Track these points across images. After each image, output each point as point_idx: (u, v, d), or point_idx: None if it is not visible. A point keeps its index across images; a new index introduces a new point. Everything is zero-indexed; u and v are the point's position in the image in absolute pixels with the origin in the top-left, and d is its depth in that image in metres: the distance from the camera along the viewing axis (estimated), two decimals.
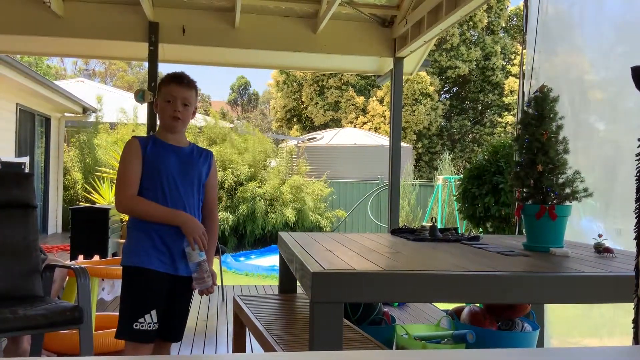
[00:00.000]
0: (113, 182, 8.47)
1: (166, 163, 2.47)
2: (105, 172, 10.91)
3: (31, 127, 10.74)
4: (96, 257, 5.24)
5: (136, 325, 2.36)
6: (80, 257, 5.24)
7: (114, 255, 5.92)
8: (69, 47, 6.27)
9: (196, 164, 2.57)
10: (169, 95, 2.47)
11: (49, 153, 11.67)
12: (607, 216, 3.20)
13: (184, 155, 2.54)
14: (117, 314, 2.52)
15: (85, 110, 12.62)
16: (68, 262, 4.18)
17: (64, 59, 30.79)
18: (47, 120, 11.65)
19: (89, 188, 11.46)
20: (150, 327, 2.37)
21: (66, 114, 12.38)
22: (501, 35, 22.30)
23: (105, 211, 6.10)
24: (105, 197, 10.26)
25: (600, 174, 3.24)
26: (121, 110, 13.41)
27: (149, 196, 2.44)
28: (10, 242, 3.04)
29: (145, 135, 2.66)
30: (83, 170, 12.77)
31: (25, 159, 7.52)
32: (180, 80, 2.51)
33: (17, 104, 9.74)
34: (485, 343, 2.93)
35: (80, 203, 11.48)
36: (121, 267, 2.51)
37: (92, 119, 13.31)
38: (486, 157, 5.11)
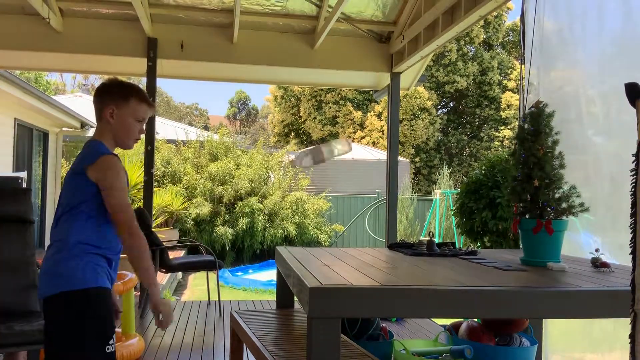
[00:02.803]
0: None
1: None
2: None
3: (29, 142, 10.74)
4: None
5: (108, 349, 2.13)
6: None
7: None
8: (68, 62, 6.30)
9: None
10: (140, 116, 2.28)
11: (47, 168, 11.66)
12: (613, 229, 3.18)
13: None
14: None
15: (84, 125, 12.64)
16: None
17: (63, 74, 30.91)
18: (45, 135, 11.66)
19: None
20: (114, 347, 2.19)
21: (64, 129, 12.38)
22: (498, 50, 22.46)
23: None
24: None
25: (609, 188, 3.23)
26: None
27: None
28: (7, 257, 3.03)
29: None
30: None
31: (23, 174, 7.52)
32: (151, 103, 2.34)
33: (15, 118, 9.74)
34: (483, 358, 2.92)
35: None
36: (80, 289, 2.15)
37: (90, 133, 13.31)
38: (483, 172, 5.12)
